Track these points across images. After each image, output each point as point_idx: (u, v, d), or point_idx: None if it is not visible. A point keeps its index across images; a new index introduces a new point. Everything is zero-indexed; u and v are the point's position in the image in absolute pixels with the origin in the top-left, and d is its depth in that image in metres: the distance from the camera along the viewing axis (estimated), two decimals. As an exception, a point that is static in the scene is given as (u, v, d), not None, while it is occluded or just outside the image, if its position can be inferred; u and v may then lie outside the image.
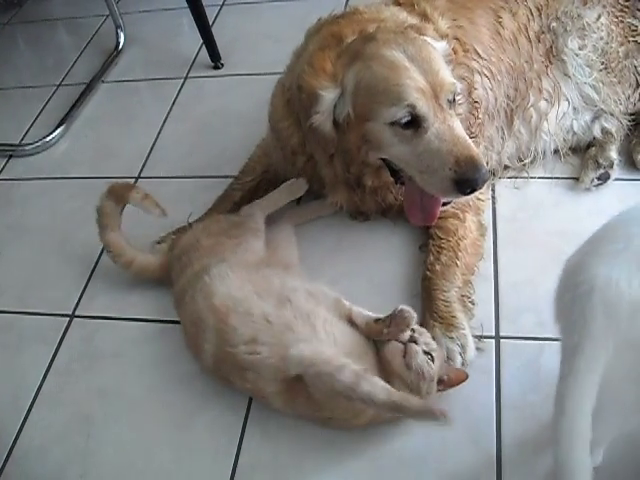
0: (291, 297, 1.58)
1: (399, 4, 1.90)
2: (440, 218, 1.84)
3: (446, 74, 1.62)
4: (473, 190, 1.58)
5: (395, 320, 1.48)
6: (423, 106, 1.56)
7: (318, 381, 1.42)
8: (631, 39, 2.04)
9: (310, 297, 1.60)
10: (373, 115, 1.60)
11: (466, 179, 1.55)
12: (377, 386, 1.37)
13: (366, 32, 1.68)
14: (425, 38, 1.68)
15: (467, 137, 1.60)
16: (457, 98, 1.68)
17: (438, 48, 1.69)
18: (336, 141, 1.68)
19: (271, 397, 1.53)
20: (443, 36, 1.80)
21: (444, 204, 1.73)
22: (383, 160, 1.72)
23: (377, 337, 1.53)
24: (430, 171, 1.59)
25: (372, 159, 1.71)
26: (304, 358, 1.44)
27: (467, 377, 1.54)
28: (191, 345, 1.70)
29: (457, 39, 1.86)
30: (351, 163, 1.74)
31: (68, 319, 1.97)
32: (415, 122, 1.58)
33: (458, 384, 1.54)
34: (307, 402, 1.49)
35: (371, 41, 1.63)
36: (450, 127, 1.58)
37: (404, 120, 1.57)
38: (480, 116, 1.92)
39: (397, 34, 1.65)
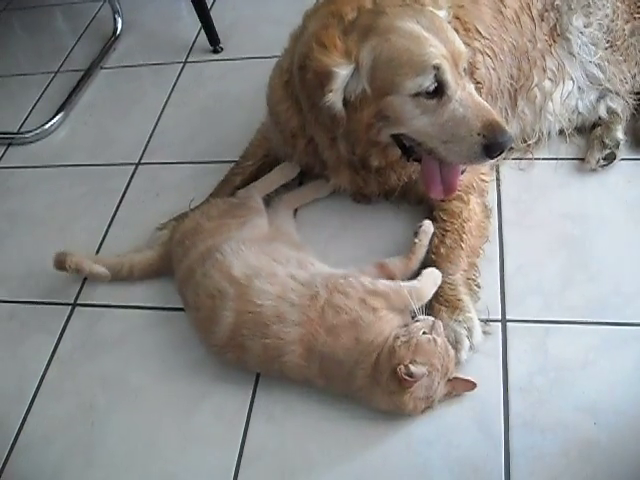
0: (312, 261, 1.69)
1: None
2: (444, 200, 1.83)
3: (460, 42, 1.62)
4: (501, 153, 1.60)
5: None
6: (448, 72, 1.56)
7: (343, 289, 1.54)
8: (637, 16, 2.00)
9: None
10: (395, 88, 1.57)
11: (495, 142, 1.56)
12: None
13: (364, 7, 1.65)
14: (430, 8, 1.67)
15: (486, 103, 1.62)
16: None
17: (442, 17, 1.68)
18: (345, 120, 1.66)
19: (290, 348, 1.53)
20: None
21: (461, 173, 1.74)
22: (394, 138, 1.69)
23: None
24: (456, 139, 1.59)
25: (384, 137, 1.69)
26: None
27: (475, 386, 1.54)
28: (203, 320, 1.68)
29: (458, 18, 1.83)
30: (357, 143, 1.72)
31: (70, 307, 1.96)
32: (439, 91, 1.57)
33: (465, 391, 1.55)
34: (327, 343, 1.51)
35: (381, 15, 1.60)
36: (470, 94, 1.59)
37: (431, 88, 1.56)
38: (483, 96, 1.90)
39: (404, 7, 1.63)
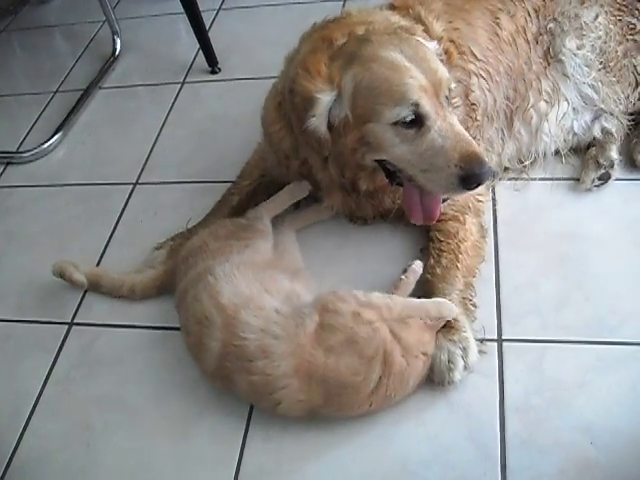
0: (301, 295, 1.64)
1: (394, 8, 1.89)
2: (440, 221, 1.83)
3: (443, 71, 1.62)
4: (478, 185, 1.59)
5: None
6: (426, 104, 1.56)
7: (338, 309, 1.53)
8: (629, 37, 2.03)
9: None
10: (375, 116, 1.59)
11: (472, 174, 1.56)
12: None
13: (354, 34, 1.67)
14: (417, 38, 1.68)
15: (467, 133, 1.61)
16: (452, 94, 1.68)
17: (430, 47, 1.69)
18: (330, 144, 1.67)
19: (282, 383, 1.50)
20: (437, 39, 1.79)
21: (443, 201, 1.73)
22: (379, 162, 1.71)
23: None
24: (434, 169, 1.59)
25: (368, 161, 1.70)
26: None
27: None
28: (193, 346, 1.68)
29: (452, 41, 1.85)
30: (345, 167, 1.73)
31: (67, 327, 1.96)
32: (418, 121, 1.58)
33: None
34: (328, 366, 1.48)
35: (366, 43, 1.62)
36: (451, 124, 1.59)
37: (408, 119, 1.57)
38: (479, 118, 1.92)
39: (391, 35, 1.64)
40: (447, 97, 1.63)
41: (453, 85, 1.68)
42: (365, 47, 1.61)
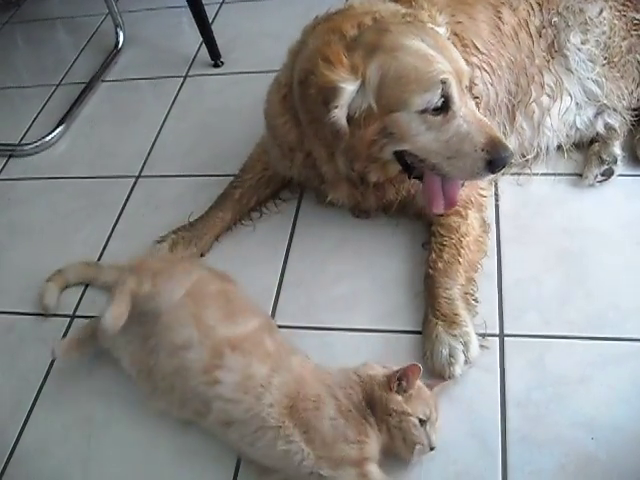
0: None
1: (397, 0, 1.88)
2: (442, 215, 1.84)
3: (463, 61, 1.65)
4: (503, 168, 1.64)
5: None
6: (454, 88, 1.58)
7: None
8: (634, 33, 2.03)
9: None
10: (402, 105, 1.58)
11: (498, 157, 1.59)
12: None
13: (365, 24, 1.66)
14: (431, 26, 1.69)
15: (487, 120, 1.65)
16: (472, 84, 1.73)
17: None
18: (347, 136, 1.66)
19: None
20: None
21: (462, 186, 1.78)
22: (396, 155, 1.70)
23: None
24: (460, 155, 1.61)
25: (386, 154, 1.69)
26: None
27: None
28: None
29: (455, 35, 1.85)
30: (356, 159, 1.72)
31: (69, 320, 1.95)
32: (445, 107, 1.59)
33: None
34: None
35: (386, 33, 1.61)
36: (472, 111, 1.62)
37: (439, 103, 1.58)
38: (481, 111, 1.91)
39: (408, 24, 1.65)
40: (467, 86, 1.65)
41: (474, 74, 1.71)
42: (386, 36, 1.61)
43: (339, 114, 1.60)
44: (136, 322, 1.61)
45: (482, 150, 1.58)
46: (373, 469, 1.40)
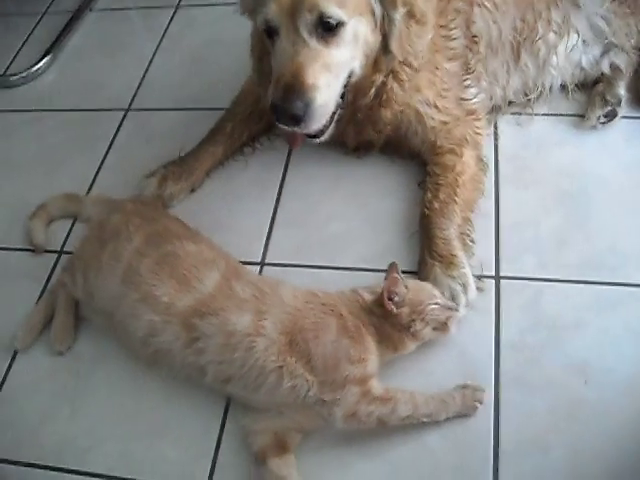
0: None
1: None
2: (437, 154, 1.81)
3: None
4: (284, 121, 1.54)
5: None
6: (275, 20, 1.53)
7: None
8: (647, -34, 1.95)
9: None
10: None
11: (275, 104, 1.52)
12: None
13: None
14: None
15: (309, 66, 1.52)
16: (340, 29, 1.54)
17: None
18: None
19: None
20: None
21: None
22: None
23: None
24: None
25: None
26: None
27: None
28: None
29: None
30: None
31: (57, 255, 1.92)
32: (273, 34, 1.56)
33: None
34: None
35: None
36: (295, 51, 1.52)
37: (263, 27, 1.57)
38: (481, 50, 1.86)
39: None
40: (321, 27, 1.51)
41: (340, 14, 1.52)
42: None
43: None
44: (101, 316, 1.63)
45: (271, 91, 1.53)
46: (375, 384, 1.41)
